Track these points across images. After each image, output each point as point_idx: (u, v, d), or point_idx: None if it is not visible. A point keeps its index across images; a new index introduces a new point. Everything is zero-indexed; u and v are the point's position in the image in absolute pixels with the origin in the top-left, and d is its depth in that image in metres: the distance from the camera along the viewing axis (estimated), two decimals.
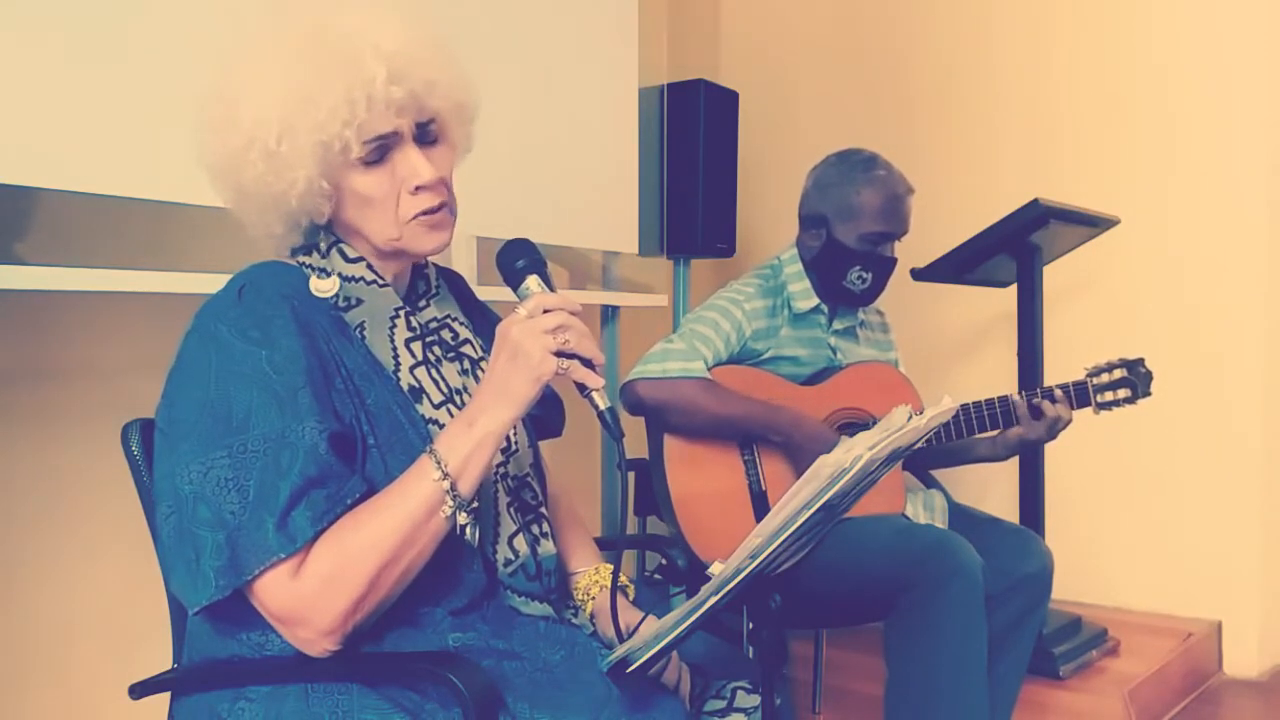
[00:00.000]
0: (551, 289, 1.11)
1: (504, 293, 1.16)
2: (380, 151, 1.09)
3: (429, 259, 1.24)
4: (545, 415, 1.36)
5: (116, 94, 1.69)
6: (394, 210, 1.11)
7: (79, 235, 1.91)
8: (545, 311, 1.04)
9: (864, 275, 2.06)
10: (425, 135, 1.12)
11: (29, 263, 1.73)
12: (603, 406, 1.07)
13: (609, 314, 3.08)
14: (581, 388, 1.07)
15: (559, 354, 1.03)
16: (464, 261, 2.50)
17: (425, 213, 1.12)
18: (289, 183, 1.07)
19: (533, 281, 1.10)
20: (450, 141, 1.17)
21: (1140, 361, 2.05)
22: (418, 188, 1.10)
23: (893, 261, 2.10)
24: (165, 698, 1.17)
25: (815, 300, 2.11)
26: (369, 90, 1.05)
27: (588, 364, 1.05)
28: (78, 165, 1.66)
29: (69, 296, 1.90)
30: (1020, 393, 2.04)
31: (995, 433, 2.06)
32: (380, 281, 1.16)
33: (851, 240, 2.06)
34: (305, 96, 1.04)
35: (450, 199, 1.15)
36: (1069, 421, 2.02)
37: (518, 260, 1.11)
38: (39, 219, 1.85)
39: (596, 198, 2.87)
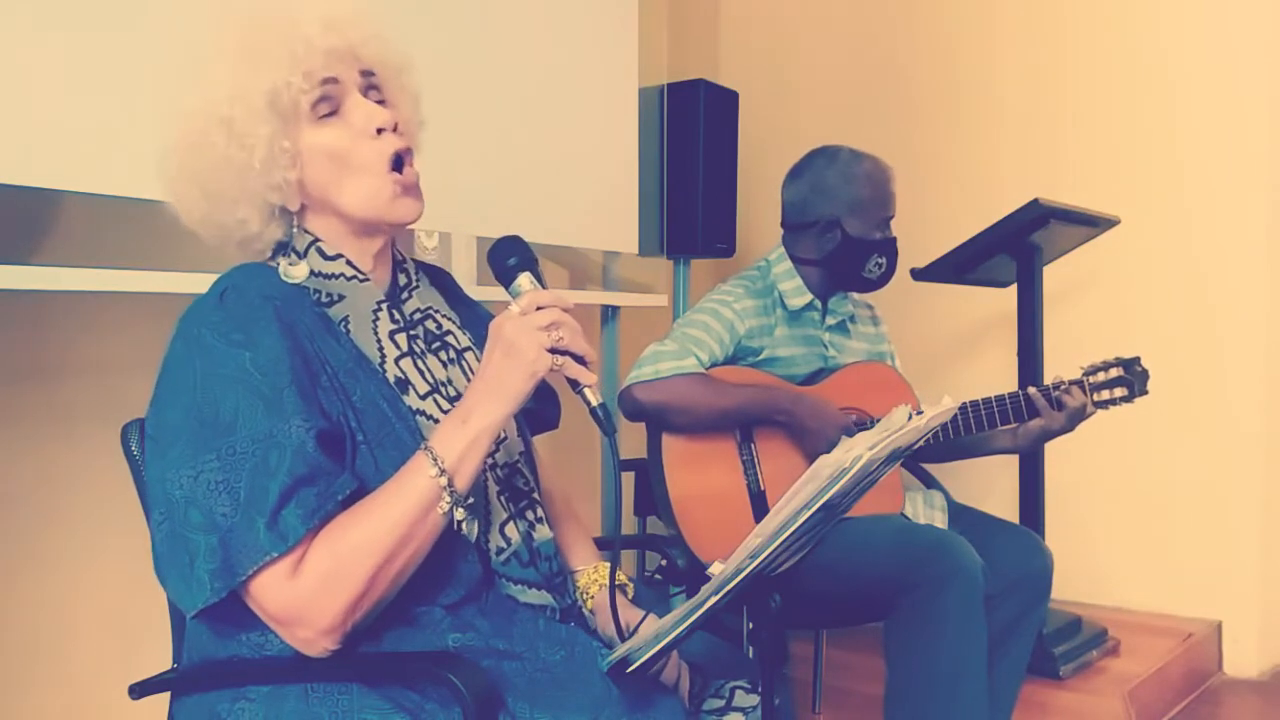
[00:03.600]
0: (544, 286, 1.11)
1: (504, 293, 1.16)
2: (331, 104, 1.11)
3: (406, 256, 1.25)
4: (539, 409, 1.36)
5: (118, 94, 1.69)
6: (361, 164, 1.11)
7: (80, 235, 1.91)
8: (538, 309, 1.05)
9: (880, 261, 2.14)
10: (371, 91, 1.15)
11: (30, 263, 1.73)
12: (594, 403, 1.08)
13: (609, 314, 3.08)
14: (574, 384, 1.08)
15: (552, 350, 1.04)
16: (464, 262, 2.49)
17: (394, 169, 1.13)
18: (249, 149, 1.07)
19: (525, 279, 1.11)
20: (394, 104, 1.18)
21: (1136, 360, 2.05)
22: (379, 130, 1.12)
23: (896, 240, 2.17)
24: (165, 698, 1.17)
25: (809, 296, 2.14)
26: (308, 39, 1.09)
27: (580, 360, 1.06)
28: (79, 166, 1.66)
29: (69, 296, 1.90)
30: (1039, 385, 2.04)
31: (1013, 426, 2.07)
32: (361, 276, 1.16)
33: (867, 232, 2.12)
34: (247, 56, 1.07)
35: (413, 165, 1.16)
36: (1092, 412, 2.02)
37: (509, 258, 1.12)
38: (40, 219, 1.86)
39: (596, 198, 2.87)
